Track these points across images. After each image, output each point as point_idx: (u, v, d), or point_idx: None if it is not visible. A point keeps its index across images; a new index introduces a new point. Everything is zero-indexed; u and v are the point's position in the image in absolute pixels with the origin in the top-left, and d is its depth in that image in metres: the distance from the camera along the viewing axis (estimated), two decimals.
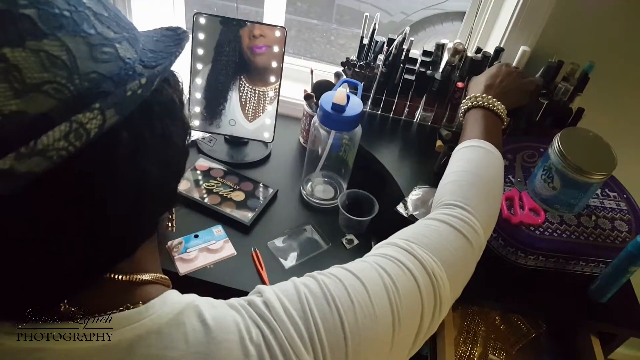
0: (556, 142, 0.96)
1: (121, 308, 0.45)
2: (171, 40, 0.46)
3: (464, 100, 0.98)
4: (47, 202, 0.37)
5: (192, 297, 0.49)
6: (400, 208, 1.04)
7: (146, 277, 0.49)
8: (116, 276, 0.46)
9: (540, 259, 0.97)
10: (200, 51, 1.21)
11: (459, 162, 0.81)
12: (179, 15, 1.53)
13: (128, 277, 0.47)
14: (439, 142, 1.18)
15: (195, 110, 1.26)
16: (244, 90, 1.23)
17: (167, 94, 0.44)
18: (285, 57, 1.19)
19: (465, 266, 0.67)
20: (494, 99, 0.94)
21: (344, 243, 1.12)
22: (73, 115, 0.34)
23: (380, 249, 0.63)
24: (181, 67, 1.26)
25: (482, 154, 0.81)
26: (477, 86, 1.01)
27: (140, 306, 0.46)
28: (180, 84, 0.48)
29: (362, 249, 1.11)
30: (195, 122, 1.27)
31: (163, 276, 0.52)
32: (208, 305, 0.48)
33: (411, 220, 1.01)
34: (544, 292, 0.98)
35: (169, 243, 1.02)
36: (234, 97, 1.24)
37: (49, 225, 0.37)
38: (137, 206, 0.43)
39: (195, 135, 1.30)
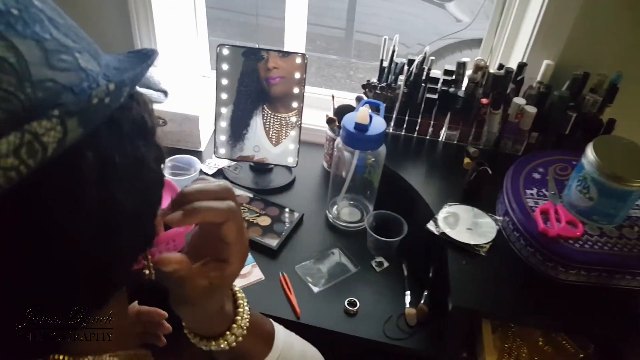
0: (589, 150, 0.93)
1: None
2: (136, 59, 0.39)
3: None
4: None
5: None
6: (430, 226, 1.01)
7: None
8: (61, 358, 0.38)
9: (582, 273, 0.91)
10: (224, 81, 1.23)
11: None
12: (202, 42, 1.57)
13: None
14: (466, 160, 1.15)
15: (220, 138, 1.27)
16: (267, 117, 1.25)
17: (137, 112, 0.38)
18: (306, 86, 1.21)
19: None
20: None
21: (374, 266, 1.09)
22: (25, 124, 0.28)
23: None
24: (207, 97, 1.30)
25: None
26: None
27: None
28: (150, 104, 0.41)
29: (393, 272, 1.08)
30: (221, 150, 1.27)
31: (140, 352, 0.45)
32: None
33: (442, 237, 0.98)
34: (590, 310, 0.92)
35: None
36: (258, 125, 1.26)
37: None
38: (106, 243, 0.35)
39: (221, 163, 1.30)
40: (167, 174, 1.18)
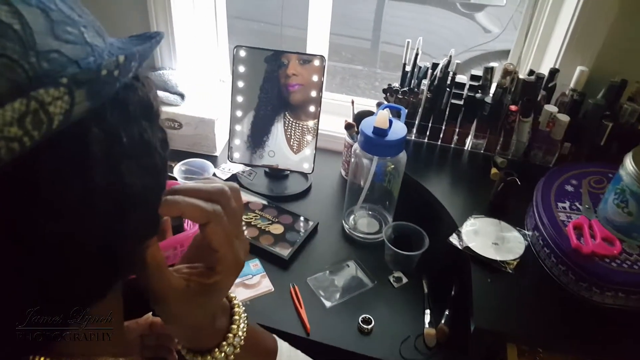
0: (628, 161, 0.86)
1: None
2: (140, 40, 0.38)
3: None
4: None
5: None
6: (453, 239, 0.95)
7: None
8: None
9: (619, 295, 0.84)
10: (240, 84, 1.19)
11: None
12: (222, 47, 1.55)
13: None
14: (494, 170, 1.09)
15: (235, 142, 1.23)
16: (288, 124, 1.22)
17: (143, 94, 0.37)
18: (326, 92, 1.17)
19: None
20: None
21: (392, 281, 1.03)
22: (32, 91, 0.26)
23: None
24: (225, 102, 1.28)
25: None
26: None
27: None
28: (154, 87, 0.40)
29: (412, 288, 1.02)
30: (236, 155, 1.24)
31: None
32: None
33: (466, 252, 0.91)
34: (628, 337, 0.84)
35: None
36: (279, 132, 1.23)
37: None
38: (112, 226, 0.34)
39: (236, 168, 1.27)
40: (181, 178, 1.15)
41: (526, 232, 0.96)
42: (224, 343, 0.48)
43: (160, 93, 1.30)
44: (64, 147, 0.29)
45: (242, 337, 0.49)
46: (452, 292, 1.00)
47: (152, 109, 0.38)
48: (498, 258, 0.90)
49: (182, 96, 1.33)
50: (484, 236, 0.95)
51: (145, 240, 0.40)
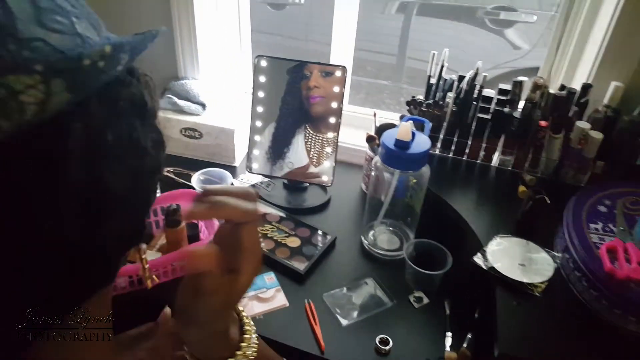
0: None
1: None
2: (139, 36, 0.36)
3: None
4: None
5: None
6: (478, 259, 0.90)
7: None
8: None
9: None
10: (260, 94, 1.18)
11: None
12: (246, 60, 1.55)
13: None
14: (522, 188, 1.04)
15: (254, 153, 1.22)
16: (309, 137, 1.20)
17: (136, 90, 0.35)
18: (348, 105, 1.15)
19: None
20: None
21: (412, 301, 0.99)
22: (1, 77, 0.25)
23: None
24: (246, 113, 1.27)
25: None
26: None
27: None
28: (152, 85, 0.38)
29: (434, 310, 0.97)
30: (255, 166, 1.22)
31: None
32: None
33: (491, 273, 0.87)
34: None
35: None
36: (299, 144, 1.21)
37: None
38: (88, 230, 0.31)
39: (254, 179, 1.25)
40: (199, 187, 1.13)
41: (555, 254, 0.91)
42: (239, 353, 0.48)
43: (181, 102, 1.29)
44: (41, 140, 0.27)
45: (255, 350, 0.49)
46: (475, 315, 0.96)
47: (145, 107, 0.36)
48: (525, 280, 0.85)
49: (203, 106, 1.32)
50: (510, 257, 0.90)
51: (127, 250, 0.38)
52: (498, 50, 3.09)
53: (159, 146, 0.37)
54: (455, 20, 3.29)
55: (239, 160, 1.34)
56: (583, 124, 1.07)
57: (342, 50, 1.42)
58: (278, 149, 1.22)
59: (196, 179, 1.16)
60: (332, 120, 1.16)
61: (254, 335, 0.50)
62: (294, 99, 1.18)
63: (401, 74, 3.39)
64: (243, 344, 0.49)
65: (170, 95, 1.31)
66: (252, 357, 0.49)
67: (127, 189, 0.33)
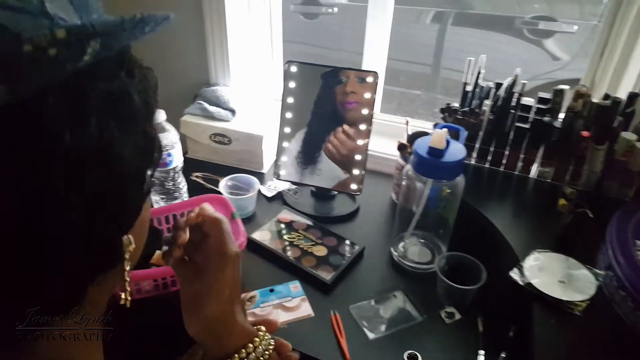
0: None
1: None
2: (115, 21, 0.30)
3: None
4: None
5: None
6: (514, 274, 0.86)
7: None
8: None
9: None
10: (290, 100, 1.17)
11: None
12: (277, 67, 1.54)
13: None
14: (562, 201, 0.99)
15: (283, 159, 1.20)
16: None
17: (119, 86, 0.30)
18: (379, 113, 1.12)
19: None
20: None
21: (443, 316, 0.94)
22: None
23: None
24: (276, 120, 1.26)
25: None
26: None
27: None
28: (154, 85, 0.34)
29: (465, 326, 0.93)
30: (283, 172, 1.20)
31: None
32: None
33: (528, 289, 0.82)
34: None
35: (242, 295, 0.92)
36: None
37: None
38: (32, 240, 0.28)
39: (281, 186, 1.23)
40: (226, 192, 1.12)
41: (598, 271, 0.86)
42: (256, 339, 0.53)
43: (212, 108, 1.29)
44: None
45: (272, 346, 0.53)
46: (510, 333, 0.90)
47: (127, 106, 0.31)
48: (565, 298, 0.81)
49: (233, 112, 1.32)
50: (549, 273, 0.85)
51: (103, 267, 0.34)
52: (536, 61, 3.00)
53: (141, 152, 0.33)
54: (492, 30, 3.22)
55: (267, 166, 1.33)
56: (629, 135, 1.01)
57: (374, 59, 1.40)
58: (308, 155, 1.20)
59: (223, 185, 1.15)
60: (363, 127, 1.13)
61: (267, 335, 0.55)
62: (327, 104, 1.16)
63: (435, 84, 3.34)
64: (256, 338, 0.54)
65: (200, 101, 1.32)
66: (270, 348, 0.54)
67: (86, 197, 0.29)
